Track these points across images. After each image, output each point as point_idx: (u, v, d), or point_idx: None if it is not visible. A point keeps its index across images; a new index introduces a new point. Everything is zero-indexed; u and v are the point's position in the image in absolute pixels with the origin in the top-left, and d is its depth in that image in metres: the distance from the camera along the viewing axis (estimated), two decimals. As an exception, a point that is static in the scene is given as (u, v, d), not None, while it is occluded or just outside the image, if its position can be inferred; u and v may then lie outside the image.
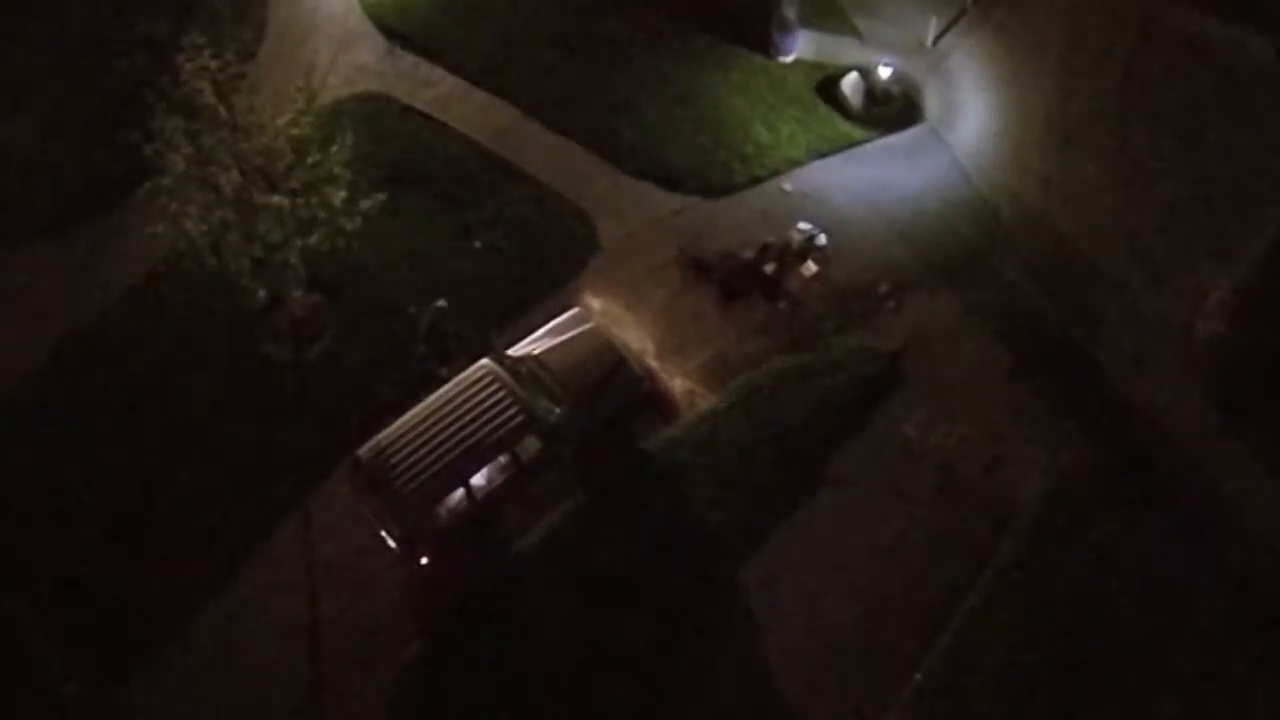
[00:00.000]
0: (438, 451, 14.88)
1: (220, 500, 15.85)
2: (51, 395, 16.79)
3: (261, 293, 15.82)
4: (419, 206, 18.28)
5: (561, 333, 16.44)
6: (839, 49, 20.40)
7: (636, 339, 17.27)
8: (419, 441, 14.97)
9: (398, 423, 15.26)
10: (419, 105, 19.56)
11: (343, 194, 15.58)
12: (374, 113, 19.26)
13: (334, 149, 15.53)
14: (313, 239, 15.59)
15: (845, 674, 14.66)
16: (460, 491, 14.97)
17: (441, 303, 16.49)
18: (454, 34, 20.43)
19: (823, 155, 19.17)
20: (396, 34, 20.43)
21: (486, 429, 15.02)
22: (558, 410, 15.62)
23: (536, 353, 16.16)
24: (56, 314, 17.42)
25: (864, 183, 18.90)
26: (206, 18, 16.74)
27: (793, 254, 17.62)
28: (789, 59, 20.28)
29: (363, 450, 15.16)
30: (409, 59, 20.19)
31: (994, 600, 15.11)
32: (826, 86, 19.98)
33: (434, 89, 19.81)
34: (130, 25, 19.37)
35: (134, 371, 16.96)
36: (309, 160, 15.43)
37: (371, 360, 16.92)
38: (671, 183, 18.65)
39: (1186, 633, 14.90)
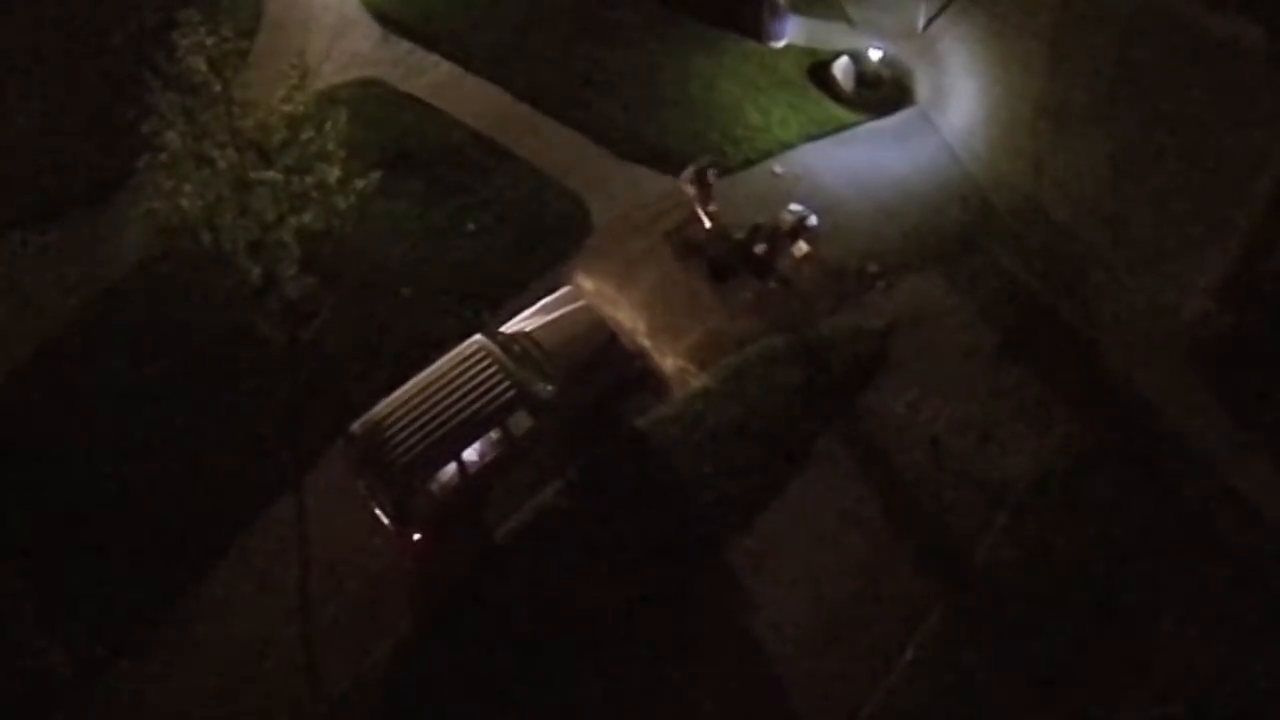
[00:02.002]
0: (430, 426, 14.96)
1: (215, 479, 15.93)
2: (50, 375, 16.90)
3: (256, 272, 15.91)
4: (413, 190, 18.43)
5: (553, 311, 16.53)
6: (830, 34, 20.59)
7: (628, 318, 17.37)
8: (411, 417, 15.06)
9: (390, 398, 15.36)
10: (413, 91, 19.73)
11: (336, 172, 15.64)
12: (369, 99, 19.41)
13: (327, 126, 15.63)
14: (306, 217, 15.63)
15: (837, 649, 14.71)
16: (452, 466, 15.05)
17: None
18: (448, 21, 20.63)
19: (814, 138, 19.32)
20: (391, 21, 20.64)
21: (478, 404, 15.10)
22: (549, 386, 15.71)
23: (529, 330, 16.26)
24: (55, 296, 17.54)
25: (855, 165, 19.04)
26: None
27: (783, 235, 17.74)
28: (780, 44, 20.47)
29: (356, 425, 15.26)
30: (404, 46, 20.37)
31: (986, 576, 15.16)
32: (818, 71, 20.16)
33: (428, 75, 19.98)
34: (129, 6, 19.54)
35: (131, 352, 17.06)
36: (303, 137, 15.54)
37: (367, 339, 17.01)
38: (664, 165, 18.69)
39: (1178, 606, 14.93)
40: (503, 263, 17.80)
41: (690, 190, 17.74)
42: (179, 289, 17.47)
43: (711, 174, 17.77)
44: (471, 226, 18.13)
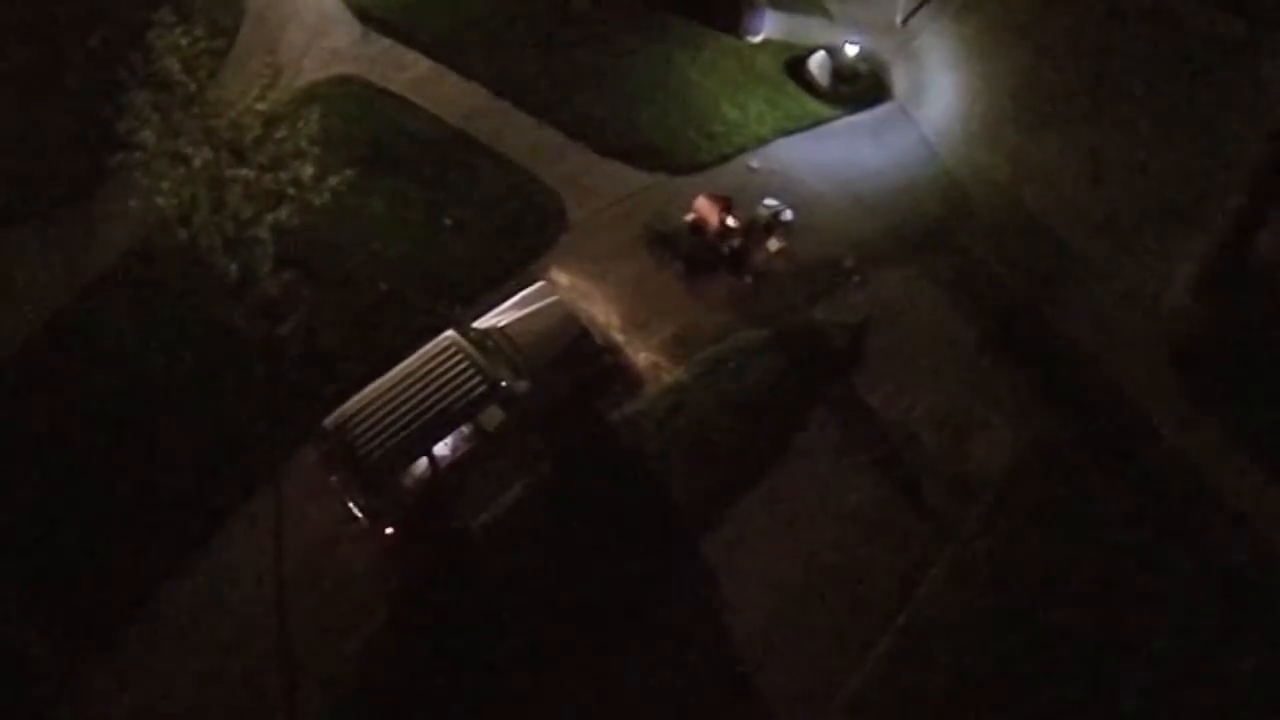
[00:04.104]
0: (401, 421, 15.05)
1: (192, 474, 16.07)
2: (30, 373, 17.04)
3: (233, 269, 16.05)
4: (391, 186, 18.51)
5: (526, 306, 16.61)
6: (808, 29, 20.59)
7: (603, 313, 17.43)
8: (383, 411, 15.14)
9: (363, 393, 15.46)
10: (392, 88, 19.80)
11: (311, 170, 15.80)
12: (347, 95, 19.52)
13: (301, 124, 15.78)
14: (282, 214, 15.78)
15: (808, 643, 14.78)
16: (424, 461, 15.17)
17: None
18: (427, 18, 20.69)
19: (790, 133, 19.33)
20: (371, 18, 20.70)
21: (450, 399, 15.17)
22: (521, 382, 15.80)
23: (501, 325, 16.35)
24: (35, 296, 17.65)
25: (831, 160, 19.06)
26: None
27: (759, 230, 17.76)
28: (758, 39, 20.49)
29: (328, 420, 15.35)
30: (383, 43, 20.43)
31: (958, 570, 15.20)
32: (795, 66, 20.18)
33: (407, 72, 20.05)
34: (107, 7, 19.68)
35: (109, 348, 17.20)
36: (277, 135, 15.69)
37: (343, 335, 17.11)
38: (640, 161, 18.83)
39: (1151, 603, 14.93)
40: (479, 258, 17.87)
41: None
42: (157, 286, 17.59)
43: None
44: (448, 222, 18.22)
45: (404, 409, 15.13)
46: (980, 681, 14.48)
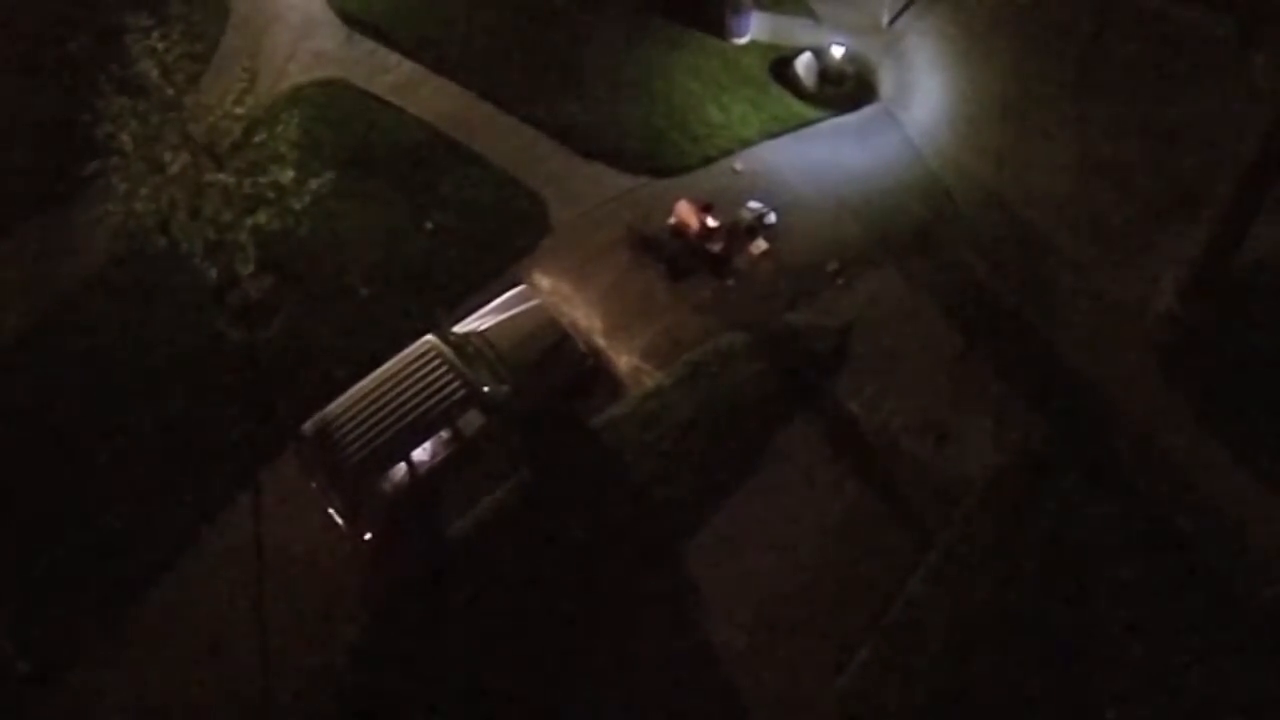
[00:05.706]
0: (380, 426, 15.02)
1: (174, 478, 16.03)
2: (14, 378, 17.02)
3: (213, 272, 16.02)
4: (373, 189, 18.50)
5: (507, 310, 16.57)
6: (794, 30, 20.54)
7: (585, 317, 17.38)
8: (363, 416, 15.13)
9: (342, 397, 15.44)
10: (376, 90, 19.83)
11: (290, 174, 15.76)
12: (331, 98, 19.53)
13: (280, 128, 15.75)
14: (261, 218, 15.76)
15: (790, 648, 14.69)
16: (403, 466, 15.12)
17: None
18: (412, 20, 20.72)
19: (775, 135, 19.27)
20: (356, 21, 20.75)
21: (429, 404, 15.14)
22: (501, 386, 15.74)
23: (481, 329, 16.30)
24: (14, 302, 17.66)
25: (815, 161, 18.99)
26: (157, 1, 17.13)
27: (742, 232, 17.71)
28: (743, 41, 20.45)
29: (308, 425, 15.34)
30: (368, 45, 20.48)
31: (941, 575, 15.10)
32: (780, 67, 20.13)
33: (391, 74, 20.07)
34: (86, 9, 19.70)
35: (92, 352, 17.17)
36: (256, 139, 15.67)
37: (323, 339, 17.07)
38: (623, 163, 18.78)
39: (1134, 607, 14.81)
40: (461, 261, 17.83)
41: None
42: (137, 291, 17.57)
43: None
44: (430, 225, 18.18)
45: (383, 414, 15.10)
46: (962, 687, 14.38)
